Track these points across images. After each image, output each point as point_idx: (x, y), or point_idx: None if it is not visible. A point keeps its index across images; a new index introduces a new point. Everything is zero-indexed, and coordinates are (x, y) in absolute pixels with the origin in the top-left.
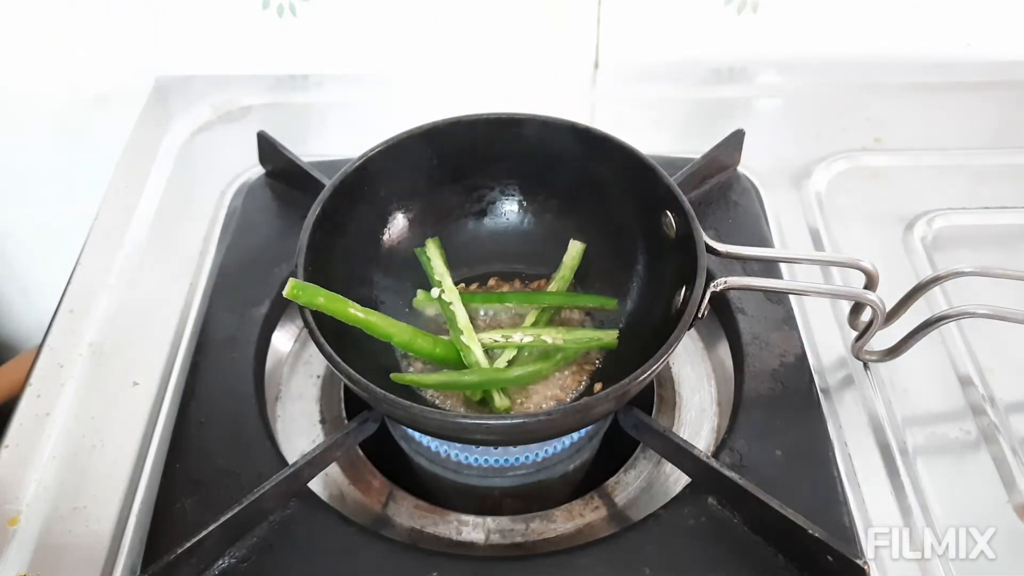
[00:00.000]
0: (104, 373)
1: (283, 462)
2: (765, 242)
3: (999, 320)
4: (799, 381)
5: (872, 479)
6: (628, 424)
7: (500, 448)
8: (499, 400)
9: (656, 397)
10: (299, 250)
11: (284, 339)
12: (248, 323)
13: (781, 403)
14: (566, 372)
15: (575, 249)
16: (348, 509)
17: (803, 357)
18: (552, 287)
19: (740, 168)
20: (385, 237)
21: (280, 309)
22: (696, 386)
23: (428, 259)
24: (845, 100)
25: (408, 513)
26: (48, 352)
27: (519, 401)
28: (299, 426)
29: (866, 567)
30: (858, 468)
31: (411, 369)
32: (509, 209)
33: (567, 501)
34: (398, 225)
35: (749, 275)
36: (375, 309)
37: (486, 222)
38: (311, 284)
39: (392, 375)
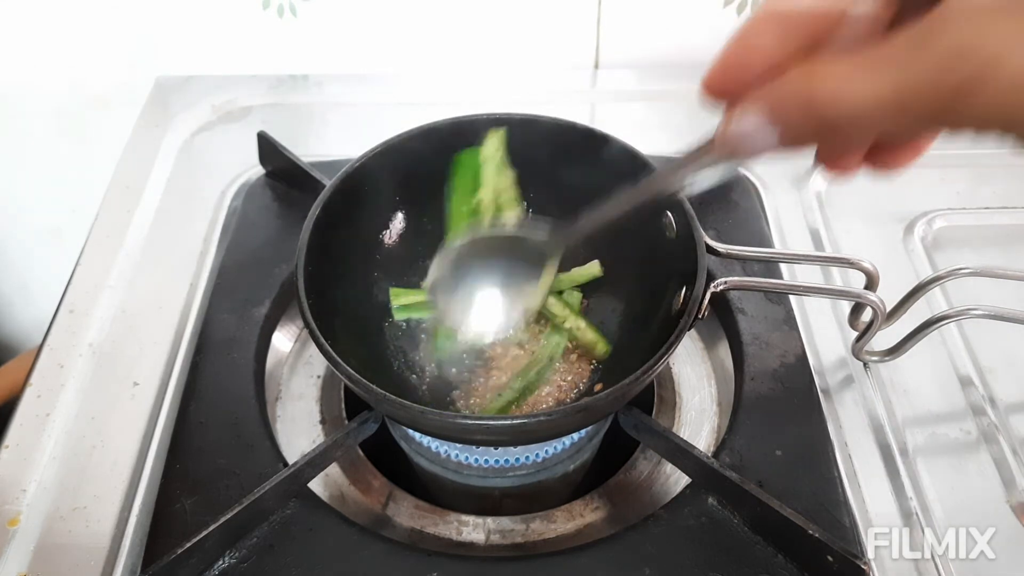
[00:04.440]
0: (104, 373)
1: (283, 462)
2: (765, 242)
3: (999, 320)
4: (799, 381)
5: (872, 479)
6: (628, 424)
7: (500, 448)
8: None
9: (656, 397)
10: (299, 250)
11: (284, 339)
12: (248, 323)
13: (781, 403)
14: (567, 372)
15: (592, 268)
16: (348, 509)
17: (803, 357)
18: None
19: (740, 168)
20: (386, 237)
21: (280, 309)
22: (696, 386)
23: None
24: None
25: (408, 513)
26: (48, 352)
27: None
28: (299, 426)
29: (866, 567)
30: (858, 468)
31: (412, 376)
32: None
33: (567, 501)
34: (399, 225)
35: (749, 275)
36: (375, 309)
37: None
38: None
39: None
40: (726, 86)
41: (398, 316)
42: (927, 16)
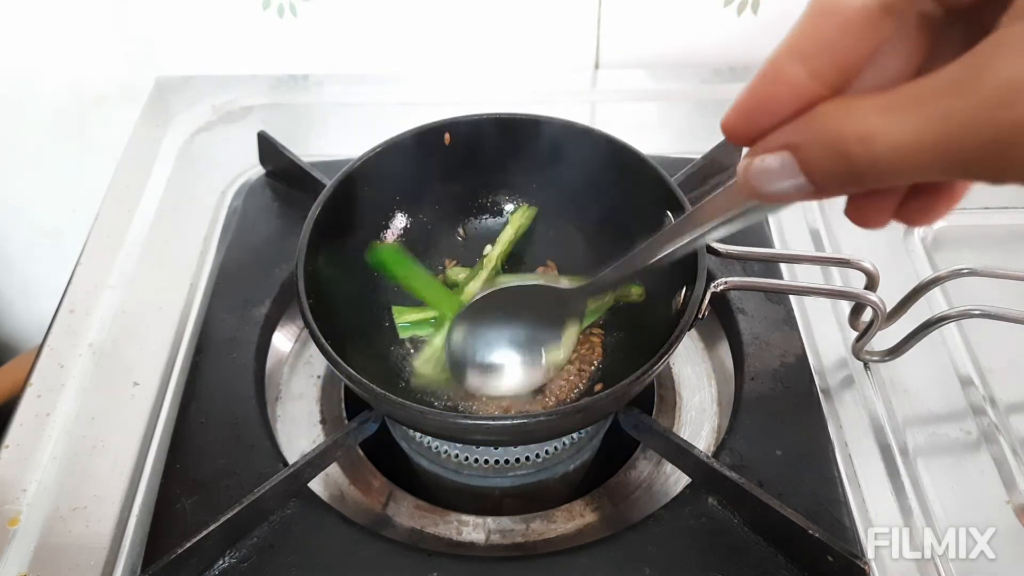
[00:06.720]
0: (104, 373)
1: (283, 462)
2: (765, 242)
3: (999, 320)
4: (799, 381)
5: (872, 479)
6: (628, 424)
7: (500, 448)
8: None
9: (656, 397)
10: (299, 250)
11: (284, 339)
12: (248, 323)
13: (781, 403)
14: (567, 372)
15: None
16: (348, 509)
17: (803, 357)
18: (496, 249)
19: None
20: (385, 237)
21: (280, 309)
22: (696, 386)
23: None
24: None
25: (408, 513)
26: (48, 352)
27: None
28: (299, 426)
29: (866, 567)
30: (858, 468)
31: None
32: (508, 209)
33: (567, 501)
34: (398, 225)
35: (749, 275)
36: (375, 309)
37: (485, 221)
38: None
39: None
40: (748, 128)
41: (403, 335)
42: (975, 48)
